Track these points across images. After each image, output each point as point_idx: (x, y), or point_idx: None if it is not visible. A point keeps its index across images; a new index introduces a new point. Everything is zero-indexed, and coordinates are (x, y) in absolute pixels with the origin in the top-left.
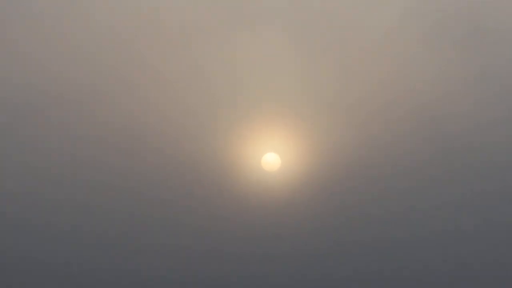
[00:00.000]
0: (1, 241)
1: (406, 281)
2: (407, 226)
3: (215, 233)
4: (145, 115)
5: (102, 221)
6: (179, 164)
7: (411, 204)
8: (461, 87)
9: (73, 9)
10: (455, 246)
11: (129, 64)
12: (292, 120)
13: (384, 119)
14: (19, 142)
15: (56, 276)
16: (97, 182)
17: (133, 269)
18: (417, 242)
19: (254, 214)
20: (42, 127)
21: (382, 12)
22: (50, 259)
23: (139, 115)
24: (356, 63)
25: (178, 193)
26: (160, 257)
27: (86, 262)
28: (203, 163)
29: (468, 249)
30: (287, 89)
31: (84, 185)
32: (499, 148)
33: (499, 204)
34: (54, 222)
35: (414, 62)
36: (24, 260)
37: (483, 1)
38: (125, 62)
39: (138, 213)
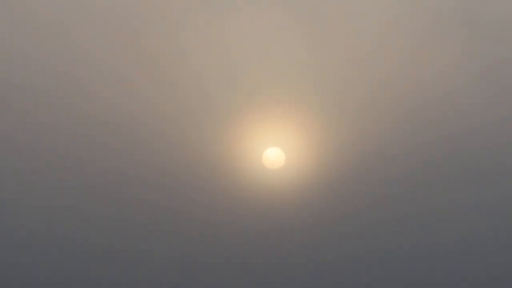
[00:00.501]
0: None
1: (411, 279)
2: (418, 227)
3: (213, 237)
4: (134, 108)
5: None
6: (170, 162)
7: (424, 204)
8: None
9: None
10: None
11: (117, 53)
12: (297, 110)
13: (398, 113)
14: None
15: (56, 276)
16: (91, 182)
17: (131, 267)
18: (424, 242)
19: (254, 216)
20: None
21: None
22: (47, 259)
23: (125, 107)
24: (369, 47)
25: (172, 194)
26: (156, 260)
27: (83, 262)
28: (197, 160)
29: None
30: (291, 75)
31: (76, 185)
32: None
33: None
34: (49, 226)
35: (428, 55)
36: (18, 266)
37: None
38: (113, 52)
39: (133, 213)
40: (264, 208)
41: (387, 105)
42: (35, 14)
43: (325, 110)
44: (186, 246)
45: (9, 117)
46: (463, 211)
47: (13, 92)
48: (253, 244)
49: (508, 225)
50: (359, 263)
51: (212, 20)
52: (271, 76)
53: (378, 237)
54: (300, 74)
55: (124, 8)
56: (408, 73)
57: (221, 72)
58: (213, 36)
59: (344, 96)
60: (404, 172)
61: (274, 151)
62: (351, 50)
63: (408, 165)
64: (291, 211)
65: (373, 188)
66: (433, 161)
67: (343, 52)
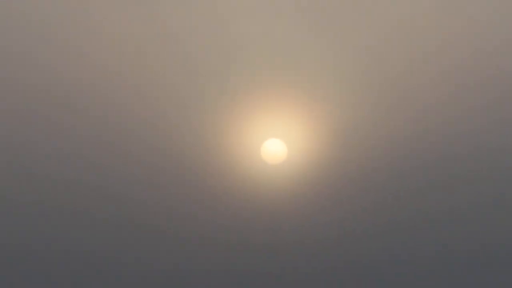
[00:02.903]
0: None
1: (413, 277)
2: (429, 227)
3: (206, 237)
4: (119, 96)
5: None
6: (158, 157)
7: (434, 203)
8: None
9: None
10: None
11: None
12: (299, 97)
13: (412, 107)
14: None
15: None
16: (74, 177)
17: (129, 265)
18: (436, 242)
19: (252, 215)
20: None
21: None
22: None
23: (111, 97)
24: (382, 35)
25: (160, 192)
26: (147, 259)
27: (78, 264)
28: (187, 154)
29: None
30: (294, 58)
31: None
32: None
33: None
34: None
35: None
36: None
37: None
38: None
39: (121, 211)
40: (263, 206)
41: (399, 97)
42: (32, 13)
43: (332, 98)
44: (179, 245)
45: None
46: (478, 211)
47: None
48: (251, 245)
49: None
50: (365, 263)
51: None
52: (271, 59)
53: (386, 237)
54: (305, 57)
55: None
56: (421, 67)
57: (213, 54)
58: (205, 15)
59: (353, 83)
60: (415, 169)
61: (274, 143)
62: (361, 37)
63: (419, 163)
64: (293, 209)
65: (381, 185)
66: (444, 160)
67: (353, 38)
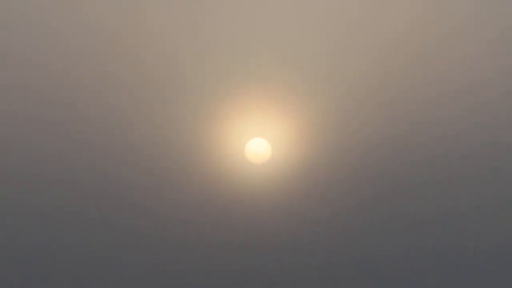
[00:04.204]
0: None
1: (414, 278)
2: (417, 226)
3: (191, 238)
4: (102, 91)
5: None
6: (144, 157)
7: (424, 202)
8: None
9: None
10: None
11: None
12: (284, 95)
13: (399, 106)
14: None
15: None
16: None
17: (126, 264)
18: (424, 242)
19: (236, 216)
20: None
21: None
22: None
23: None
24: (369, 33)
25: (146, 193)
26: (135, 260)
27: (76, 265)
28: (169, 153)
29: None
30: (279, 54)
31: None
32: None
33: None
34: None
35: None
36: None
37: None
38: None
39: (107, 213)
40: (248, 206)
41: (387, 96)
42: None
43: (317, 96)
44: (163, 246)
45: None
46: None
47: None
48: (237, 245)
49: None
50: (352, 263)
51: None
52: (254, 58)
53: (372, 237)
54: (290, 55)
55: None
56: (415, 67)
57: (196, 53)
58: (188, 13)
59: (340, 82)
60: (403, 168)
61: (258, 142)
62: (347, 33)
63: (407, 162)
64: (278, 210)
65: (368, 185)
66: (432, 159)
67: (339, 34)
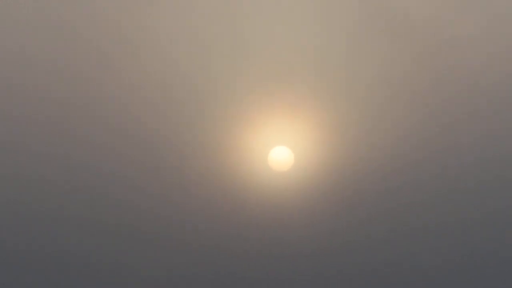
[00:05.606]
0: None
1: (419, 282)
2: (440, 235)
3: (213, 246)
4: (123, 102)
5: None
6: (161, 165)
7: (444, 212)
8: None
9: None
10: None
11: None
12: (307, 104)
13: (422, 112)
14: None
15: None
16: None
17: (126, 265)
18: (440, 242)
19: (258, 224)
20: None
21: None
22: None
23: (116, 103)
24: (394, 39)
25: (165, 200)
26: (151, 268)
27: (74, 267)
28: (191, 162)
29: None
30: (302, 62)
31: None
32: None
33: None
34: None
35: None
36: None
37: None
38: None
39: (125, 219)
40: (271, 214)
41: (409, 102)
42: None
43: (340, 104)
44: (184, 254)
45: None
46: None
47: None
48: (258, 252)
49: None
50: (373, 271)
51: None
52: (278, 64)
53: (396, 244)
54: (313, 64)
55: None
56: (429, 67)
57: (221, 61)
58: (215, 20)
59: (364, 89)
60: (426, 176)
61: (281, 150)
62: (372, 40)
63: (431, 170)
64: (300, 217)
65: (394, 192)
66: (455, 167)
67: (363, 44)
